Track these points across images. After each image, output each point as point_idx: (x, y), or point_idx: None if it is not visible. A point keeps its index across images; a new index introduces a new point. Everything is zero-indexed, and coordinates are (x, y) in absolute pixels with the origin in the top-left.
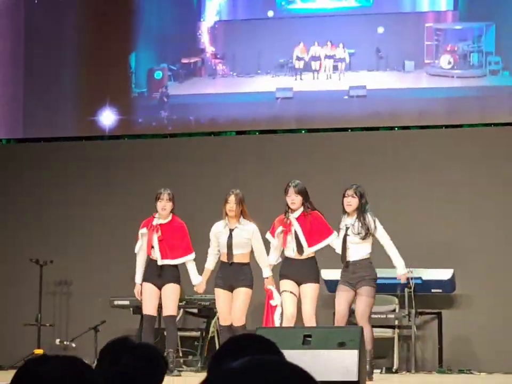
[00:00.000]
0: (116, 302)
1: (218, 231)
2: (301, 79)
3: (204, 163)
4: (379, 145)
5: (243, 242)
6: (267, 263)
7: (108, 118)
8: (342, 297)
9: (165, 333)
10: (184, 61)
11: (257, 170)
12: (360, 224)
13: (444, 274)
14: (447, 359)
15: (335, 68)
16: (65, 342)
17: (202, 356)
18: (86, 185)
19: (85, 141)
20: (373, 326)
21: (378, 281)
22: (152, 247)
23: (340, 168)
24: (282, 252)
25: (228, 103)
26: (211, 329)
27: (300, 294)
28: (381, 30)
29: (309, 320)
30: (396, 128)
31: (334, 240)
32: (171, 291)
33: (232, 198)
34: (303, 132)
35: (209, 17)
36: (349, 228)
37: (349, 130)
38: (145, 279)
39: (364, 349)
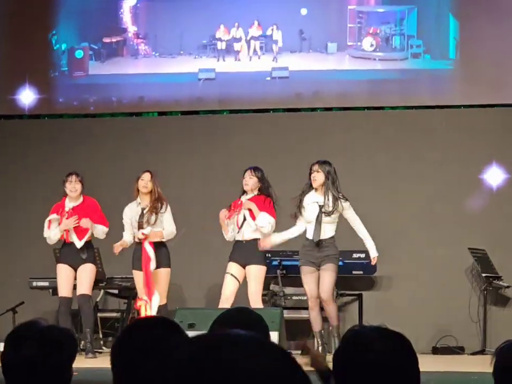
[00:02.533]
0: (34, 283)
1: (130, 212)
2: (223, 60)
3: (127, 144)
4: (301, 126)
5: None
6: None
7: (27, 96)
8: (311, 279)
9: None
10: (106, 40)
11: (180, 151)
12: (331, 203)
13: (365, 256)
14: None
15: (259, 49)
16: None
17: None
18: (4, 164)
19: (4, 119)
20: (294, 308)
21: (299, 263)
22: (68, 231)
23: (261, 149)
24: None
25: (150, 84)
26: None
27: (245, 276)
28: (304, 11)
29: (254, 300)
30: (318, 110)
31: (301, 223)
32: (87, 270)
33: (146, 175)
34: (225, 113)
35: None
36: (322, 206)
37: (271, 111)
38: (60, 260)
39: (283, 330)
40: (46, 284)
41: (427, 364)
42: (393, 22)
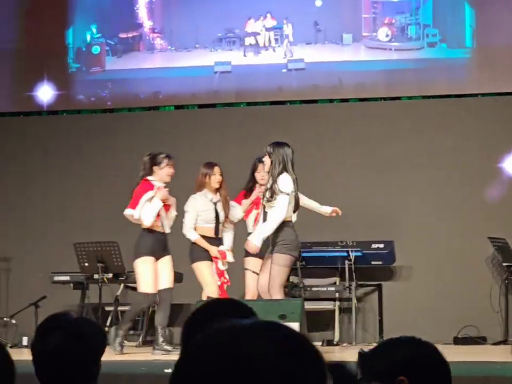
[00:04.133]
0: (56, 278)
1: (203, 206)
2: (240, 53)
3: (144, 138)
4: (318, 118)
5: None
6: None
7: (45, 93)
8: (263, 267)
9: (159, 307)
10: (122, 35)
11: (197, 144)
12: (269, 186)
13: (384, 246)
14: (387, 331)
15: (274, 41)
16: (5, 318)
17: (143, 331)
18: (24, 161)
19: (23, 116)
20: (314, 299)
21: (319, 253)
22: (159, 216)
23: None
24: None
25: (166, 78)
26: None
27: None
28: (318, 3)
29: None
30: (335, 101)
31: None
32: (170, 262)
33: (218, 169)
34: (242, 105)
35: None
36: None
37: (288, 103)
38: (150, 252)
39: (304, 321)
40: (67, 278)
41: (449, 354)
42: (408, 11)
